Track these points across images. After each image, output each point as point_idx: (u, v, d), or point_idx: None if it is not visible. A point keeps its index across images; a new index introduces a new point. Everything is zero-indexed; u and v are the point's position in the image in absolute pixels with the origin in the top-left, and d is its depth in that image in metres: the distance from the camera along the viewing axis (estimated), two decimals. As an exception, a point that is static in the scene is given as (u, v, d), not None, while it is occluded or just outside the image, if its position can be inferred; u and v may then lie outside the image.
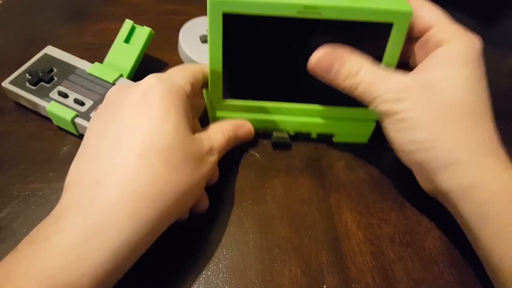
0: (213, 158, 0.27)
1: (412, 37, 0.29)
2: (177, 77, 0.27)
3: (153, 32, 0.39)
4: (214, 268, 0.27)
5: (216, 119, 0.34)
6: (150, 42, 0.39)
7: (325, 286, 0.27)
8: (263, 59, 0.31)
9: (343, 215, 0.31)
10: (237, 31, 0.29)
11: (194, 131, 0.27)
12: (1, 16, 0.48)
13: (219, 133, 0.30)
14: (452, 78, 0.26)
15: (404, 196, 0.33)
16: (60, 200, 0.23)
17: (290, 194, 0.32)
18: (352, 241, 0.29)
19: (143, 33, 0.39)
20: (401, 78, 0.27)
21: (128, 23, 0.39)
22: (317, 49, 0.28)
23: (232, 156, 0.34)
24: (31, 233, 0.21)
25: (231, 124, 0.32)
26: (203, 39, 0.43)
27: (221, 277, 0.27)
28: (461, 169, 0.25)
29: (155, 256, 0.27)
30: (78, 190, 0.23)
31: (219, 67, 0.31)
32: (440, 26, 0.27)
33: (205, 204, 0.29)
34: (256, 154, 0.35)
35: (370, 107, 0.28)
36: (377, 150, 0.36)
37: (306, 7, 0.27)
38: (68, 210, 0.22)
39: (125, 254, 0.21)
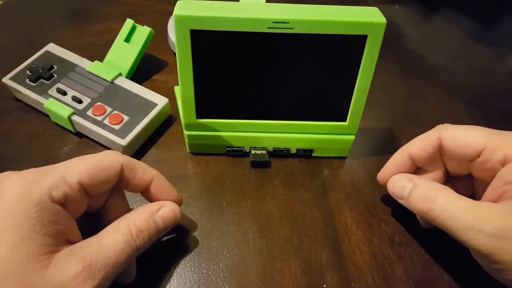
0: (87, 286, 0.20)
1: (463, 159, 0.27)
2: (45, 179, 0.21)
3: (153, 32, 0.39)
4: (214, 267, 0.27)
5: (190, 139, 0.33)
6: (150, 42, 0.40)
7: (325, 286, 0.27)
8: (236, 76, 0.30)
9: (343, 215, 0.31)
10: (207, 48, 0.28)
11: (72, 242, 0.21)
12: (2, 16, 0.48)
13: (115, 236, 0.22)
14: None
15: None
16: None
17: (290, 194, 0.32)
18: (352, 240, 0.29)
19: (143, 32, 0.39)
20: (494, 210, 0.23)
21: (129, 23, 0.39)
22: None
23: (232, 156, 0.35)
24: None
25: (143, 213, 0.24)
26: None
27: (222, 276, 0.27)
28: None
29: (156, 255, 0.27)
30: None
31: (190, 86, 0.29)
32: (493, 144, 0.25)
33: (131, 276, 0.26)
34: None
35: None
36: (377, 150, 0.36)
37: (276, 22, 0.26)
38: None
39: None
